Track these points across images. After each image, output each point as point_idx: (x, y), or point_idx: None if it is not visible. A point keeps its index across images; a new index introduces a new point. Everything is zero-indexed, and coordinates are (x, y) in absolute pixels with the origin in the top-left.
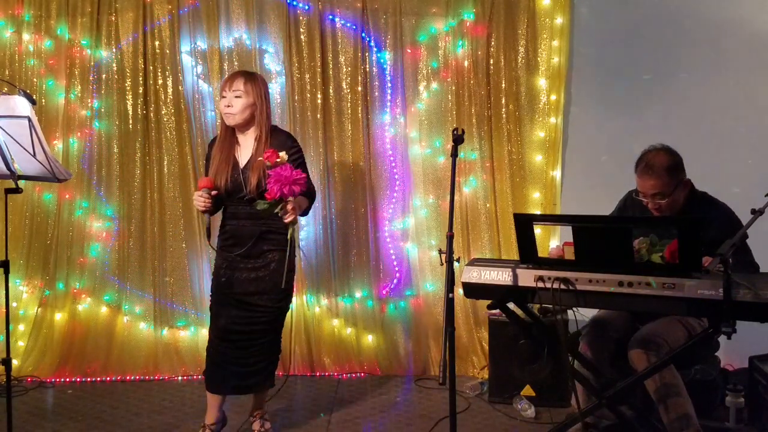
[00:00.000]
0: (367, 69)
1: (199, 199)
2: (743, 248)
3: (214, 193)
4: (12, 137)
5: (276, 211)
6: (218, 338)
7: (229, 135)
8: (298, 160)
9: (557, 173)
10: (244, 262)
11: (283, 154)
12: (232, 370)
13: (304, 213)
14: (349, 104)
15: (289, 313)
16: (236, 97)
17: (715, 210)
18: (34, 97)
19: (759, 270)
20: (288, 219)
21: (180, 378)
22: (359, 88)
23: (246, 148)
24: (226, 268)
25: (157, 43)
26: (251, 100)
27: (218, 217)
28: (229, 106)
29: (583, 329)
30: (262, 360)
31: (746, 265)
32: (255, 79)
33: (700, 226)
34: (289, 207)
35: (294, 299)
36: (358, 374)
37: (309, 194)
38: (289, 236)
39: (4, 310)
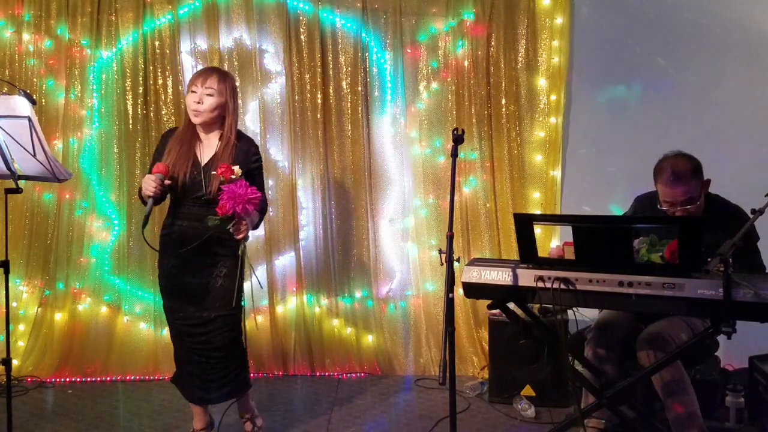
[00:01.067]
0: (367, 69)
1: (152, 183)
2: (754, 250)
3: (167, 182)
4: (12, 137)
5: (228, 227)
6: (179, 348)
7: (191, 130)
8: (258, 169)
9: (557, 173)
10: (192, 268)
11: (237, 169)
12: (196, 382)
13: (255, 227)
14: (349, 104)
15: (289, 313)
16: (208, 95)
17: (732, 211)
18: (34, 97)
19: (764, 269)
20: (239, 236)
21: None
22: (359, 88)
23: (209, 147)
24: (170, 273)
25: (157, 43)
26: (223, 99)
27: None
28: (199, 102)
29: (587, 333)
30: (224, 371)
31: (757, 267)
32: (228, 80)
33: (700, 226)
34: (242, 225)
35: (294, 299)
36: (358, 374)
37: (261, 209)
38: (240, 252)
39: (4, 310)
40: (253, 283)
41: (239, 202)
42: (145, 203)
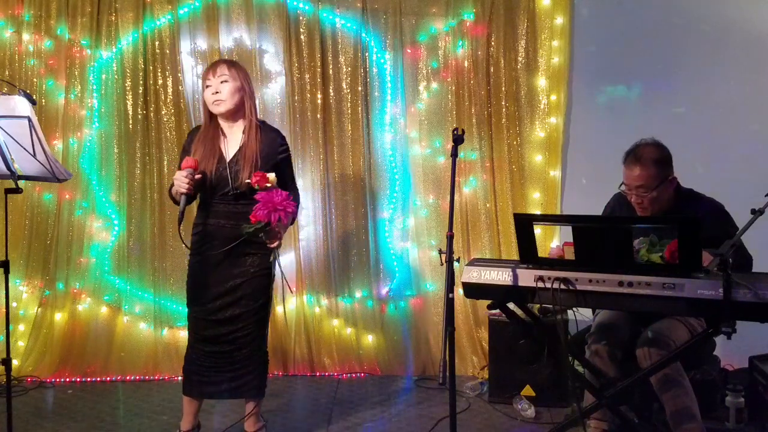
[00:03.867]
0: (367, 69)
1: (184, 180)
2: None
3: (198, 176)
4: (12, 137)
5: (260, 234)
6: (200, 345)
7: (213, 126)
8: (286, 160)
9: (557, 173)
10: (221, 266)
11: (272, 177)
12: (217, 378)
13: (289, 225)
14: (349, 104)
15: (289, 313)
16: (223, 82)
17: (702, 205)
18: (34, 97)
19: (752, 261)
20: (273, 245)
21: (180, 378)
22: (359, 88)
23: (233, 141)
24: (200, 272)
25: (157, 43)
26: (239, 84)
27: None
28: (217, 92)
29: (587, 336)
30: (247, 368)
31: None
32: (237, 65)
33: (701, 226)
34: (276, 234)
35: (294, 299)
36: (358, 374)
37: (296, 200)
38: (272, 259)
39: (4, 310)
40: (284, 288)
41: (274, 210)
42: (176, 202)
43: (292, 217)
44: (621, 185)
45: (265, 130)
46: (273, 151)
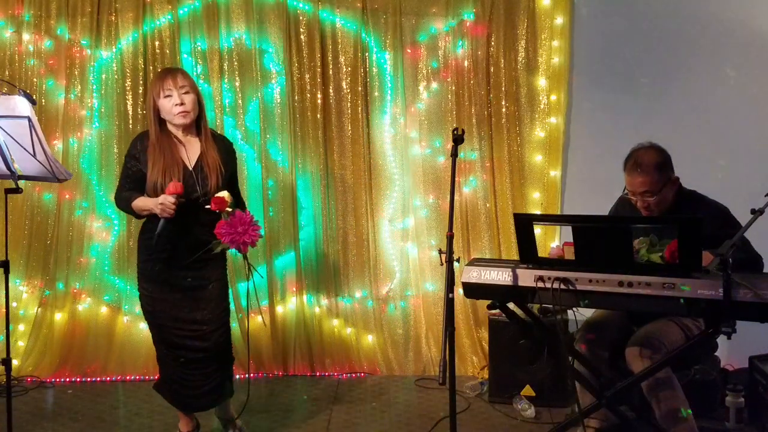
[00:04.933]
0: (367, 69)
1: (171, 206)
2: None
3: (181, 200)
4: (12, 137)
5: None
6: (171, 359)
7: (166, 135)
8: (236, 166)
9: (557, 173)
10: (182, 277)
11: (227, 197)
12: (185, 391)
13: None
14: (349, 104)
15: (289, 313)
16: (185, 93)
17: (705, 207)
18: (34, 97)
19: (762, 260)
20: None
21: None
22: (359, 88)
23: (192, 148)
24: (159, 278)
25: (157, 43)
26: (197, 94)
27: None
28: (182, 104)
29: (575, 333)
30: (215, 378)
31: (750, 260)
32: (188, 75)
33: (701, 226)
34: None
35: (294, 299)
36: (358, 374)
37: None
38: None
39: (4, 310)
40: (255, 283)
41: (236, 241)
42: (137, 215)
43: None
44: (624, 191)
45: (217, 138)
46: (230, 158)
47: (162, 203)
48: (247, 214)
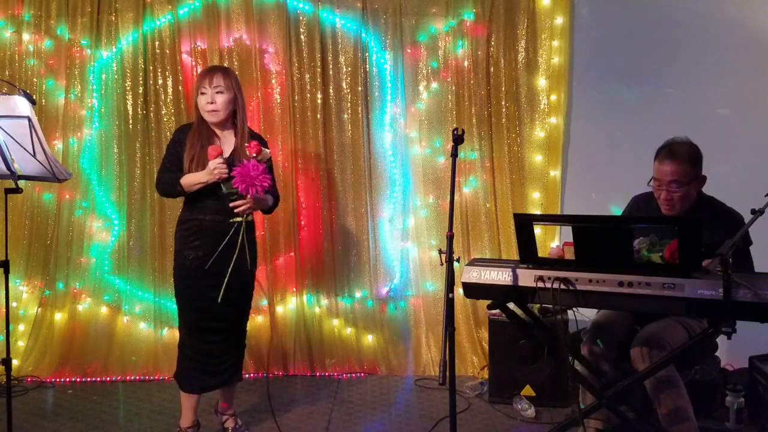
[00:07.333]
0: (367, 69)
1: (222, 167)
2: (744, 254)
3: (225, 157)
4: (12, 137)
5: (233, 198)
6: (193, 336)
7: (206, 127)
8: (271, 165)
9: (557, 173)
10: (214, 262)
11: (266, 151)
12: (206, 369)
13: (268, 211)
14: (349, 104)
15: (289, 313)
16: (218, 92)
17: (724, 214)
18: (34, 97)
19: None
20: (238, 209)
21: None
22: (359, 88)
23: (227, 143)
24: (191, 266)
25: (157, 43)
26: (232, 94)
27: None
28: (212, 102)
29: (583, 333)
30: (234, 354)
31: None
32: (232, 75)
33: (701, 226)
34: (243, 202)
35: (294, 299)
36: (358, 374)
37: (275, 196)
38: (240, 228)
39: (4, 310)
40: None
41: (251, 185)
42: (180, 195)
43: (273, 202)
44: (650, 181)
45: (254, 137)
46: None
47: (214, 168)
48: (260, 165)
